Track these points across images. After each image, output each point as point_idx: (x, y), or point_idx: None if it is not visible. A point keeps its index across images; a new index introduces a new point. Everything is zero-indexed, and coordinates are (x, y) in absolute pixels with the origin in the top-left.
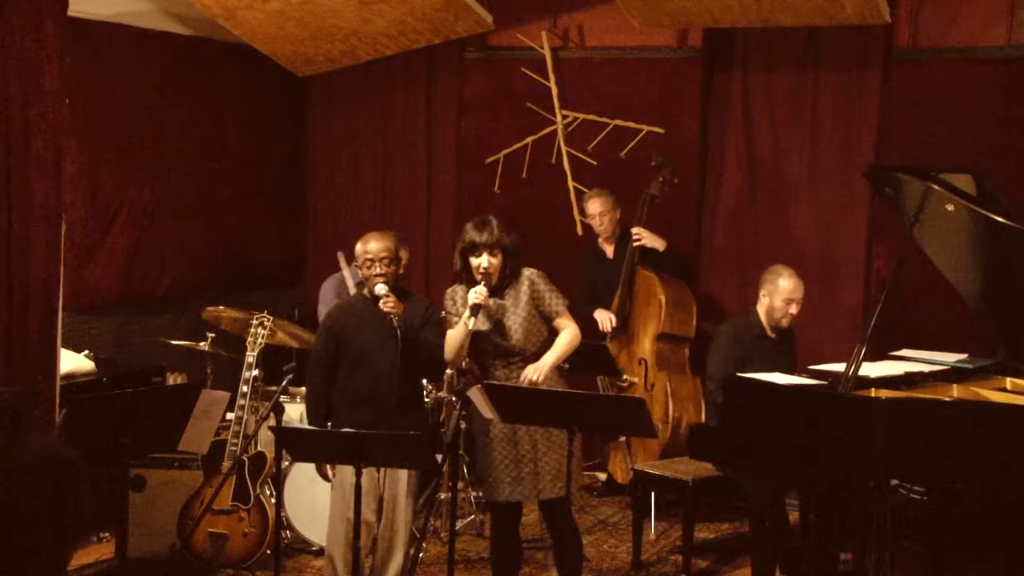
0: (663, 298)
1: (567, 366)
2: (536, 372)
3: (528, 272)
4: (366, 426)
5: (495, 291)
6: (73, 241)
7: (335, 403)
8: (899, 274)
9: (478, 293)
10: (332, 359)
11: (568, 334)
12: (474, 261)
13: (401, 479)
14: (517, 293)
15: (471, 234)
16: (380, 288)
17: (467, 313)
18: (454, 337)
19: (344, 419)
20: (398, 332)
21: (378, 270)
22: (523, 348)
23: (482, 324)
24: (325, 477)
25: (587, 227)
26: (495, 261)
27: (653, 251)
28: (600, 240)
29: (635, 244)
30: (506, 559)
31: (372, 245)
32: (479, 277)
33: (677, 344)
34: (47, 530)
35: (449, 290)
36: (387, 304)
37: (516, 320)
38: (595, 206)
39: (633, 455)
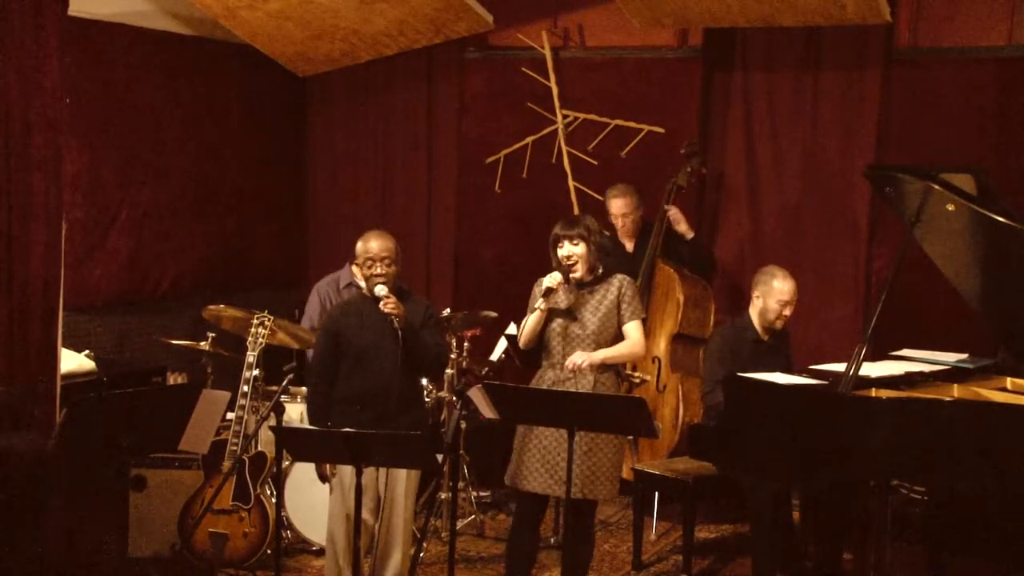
0: (681, 297)
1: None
2: (582, 358)
3: (621, 277)
4: (366, 426)
5: (583, 284)
6: (73, 241)
7: (335, 402)
8: (899, 274)
9: (552, 277)
10: (333, 359)
11: (629, 343)
12: (560, 253)
13: (400, 479)
14: (605, 291)
15: (555, 228)
16: (380, 289)
17: (540, 298)
18: (529, 321)
19: (344, 418)
20: (399, 333)
21: (378, 270)
22: (594, 341)
23: (561, 302)
24: (324, 478)
25: None
26: (576, 249)
27: (676, 236)
28: (619, 232)
29: (668, 214)
30: (522, 553)
31: (373, 245)
32: (565, 267)
33: (692, 345)
34: None
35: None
36: (388, 305)
37: (596, 313)
38: (619, 206)
39: (640, 454)
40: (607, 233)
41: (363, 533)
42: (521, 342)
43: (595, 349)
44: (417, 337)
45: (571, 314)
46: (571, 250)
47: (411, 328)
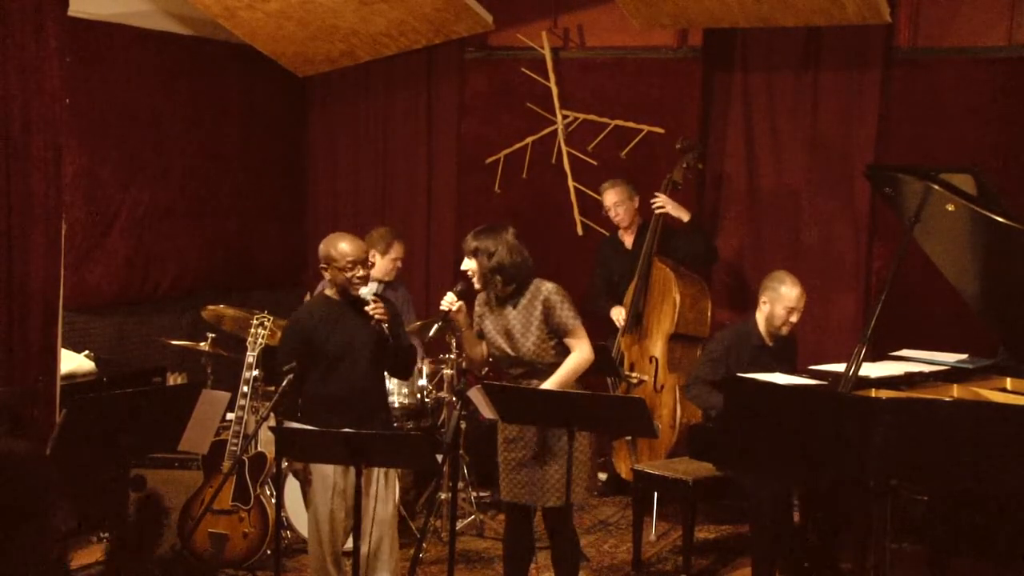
0: (678, 297)
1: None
2: None
3: (545, 287)
4: (339, 428)
5: (502, 299)
6: (73, 241)
7: (307, 407)
8: (899, 274)
9: (446, 300)
10: (302, 363)
11: (575, 356)
12: None
13: (378, 473)
14: (529, 306)
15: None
16: (365, 292)
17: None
18: (464, 342)
19: (317, 422)
20: (389, 338)
21: (360, 273)
22: (532, 360)
23: (490, 322)
24: (297, 475)
25: (588, 227)
26: (470, 264)
27: (673, 231)
28: (619, 231)
29: (657, 212)
30: (516, 553)
31: (353, 247)
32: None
33: (690, 344)
34: None
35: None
36: (377, 311)
37: (526, 332)
38: (611, 196)
39: (639, 454)
40: (523, 251)
41: (343, 533)
42: (469, 365)
43: (539, 370)
44: (399, 340)
45: (505, 334)
46: (465, 264)
47: (396, 332)
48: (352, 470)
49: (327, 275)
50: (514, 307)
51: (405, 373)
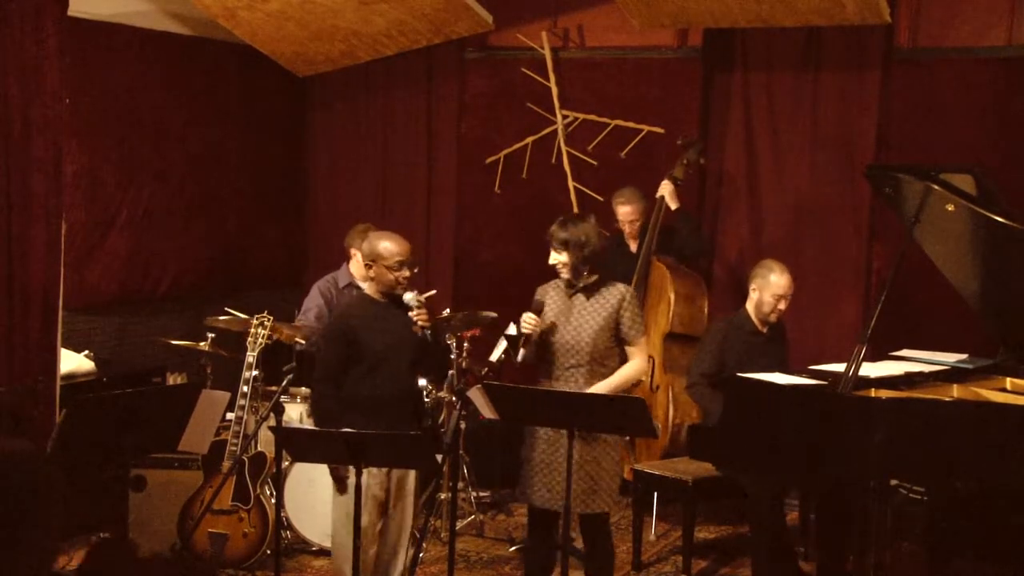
0: (672, 295)
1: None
2: None
3: (622, 286)
4: (381, 430)
5: (578, 288)
6: (73, 241)
7: (346, 408)
8: (899, 274)
9: (527, 322)
10: (344, 364)
11: (631, 366)
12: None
13: (410, 476)
14: (604, 302)
15: (552, 226)
16: (410, 297)
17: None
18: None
19: (358, 425)
20: (427, 341)
21: (406, 274)
22: (590, 356)
23: (553, 311)
24: (341, 481)
25: None
26: (560, 258)
27: (669, 227)
28: (626, 235)
29: (660, 195)
30: (537, 560)
31: (401, 247)
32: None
33: (687, 344)
34: None
35: (540, 287)
36: (421, 317)
37: (591, 326)
38: (626, 214)
39: (636, 454)
40: (606, 234)
41: (371, 538)
42: (519, 361)
43: (590, 364)
44: (438, 344)
45: (569, 327)
46: (555, 257)
47: (435, 336)
48: (385, 473)
49: (371, 273)
50: (587, 297)
51: (441, 373)
